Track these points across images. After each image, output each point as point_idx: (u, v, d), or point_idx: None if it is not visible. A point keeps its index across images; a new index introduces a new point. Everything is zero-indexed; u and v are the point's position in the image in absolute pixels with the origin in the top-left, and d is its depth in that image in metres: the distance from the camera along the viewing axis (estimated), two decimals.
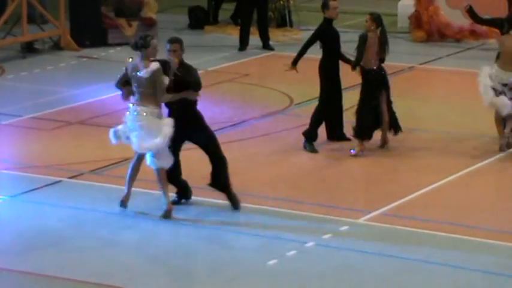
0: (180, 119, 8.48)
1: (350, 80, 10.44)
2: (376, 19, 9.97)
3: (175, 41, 8.65)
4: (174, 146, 8.52)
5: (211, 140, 8.56)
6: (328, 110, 10.23)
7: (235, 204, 8.57)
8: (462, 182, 9.46)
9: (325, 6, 10.22)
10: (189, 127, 8.54)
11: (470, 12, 10.69)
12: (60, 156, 10.05)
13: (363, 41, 9.95)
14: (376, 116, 10.03)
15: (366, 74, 10.00)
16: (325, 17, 10.22)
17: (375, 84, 10.02)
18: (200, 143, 8.59)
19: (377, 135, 10.22)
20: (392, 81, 11.04)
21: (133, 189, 9.06)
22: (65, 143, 10.56)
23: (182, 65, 8.62)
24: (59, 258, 7.82)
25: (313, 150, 10.10)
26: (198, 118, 8.59)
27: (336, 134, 10.34)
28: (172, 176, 8.59)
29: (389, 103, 10.20)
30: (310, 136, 10.16)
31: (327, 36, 10.16)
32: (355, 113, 10.08)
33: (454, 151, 10.28)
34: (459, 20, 15.06)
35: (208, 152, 8.58)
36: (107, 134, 10.78)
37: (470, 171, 9.69)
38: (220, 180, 8.54)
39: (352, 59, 10.17)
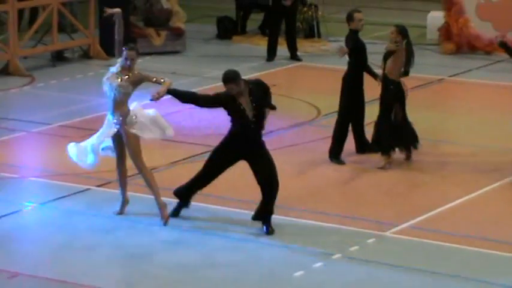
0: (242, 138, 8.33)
1: (374, 92, 10.38)
2: (402, 31, 9.93)
3: None
4: (224, 160, 8.43)
5: (266, 168, 8.25)
6: (351, 123, 10.17)
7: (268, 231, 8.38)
8: (491, 196, 9.38)
9: (350, 18, 10.18)
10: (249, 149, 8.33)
11: (504, 48, 9.94)
12: None
13: (389, 53, 9.92)
14: (395, 129, 9.95)
15: (387, 84, 9.95)
16: (350, 29, 10.19)
17: (394, 95, 9.97)
18: (255, 168, 8.36)
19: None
20: (421, 94, 11.02)
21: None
22: None
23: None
24: (87, 265, 7.85)
25: (340, 162, 10.07)
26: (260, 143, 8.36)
27: (363, 146, 10.28)
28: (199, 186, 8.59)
29: (405, 118, 10.10)
30: (334, 152, 10.12)
31: (353, 47, 10.11)
32: (375, 126, 10.02)
33: (483, 165, 10.20)
34: (489, 32, 14.96)
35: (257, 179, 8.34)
36: None
37: (499, 186, 9.60)
38: (261, 212, 8.35)
39: (378, 71, 10.14)
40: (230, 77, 8.41)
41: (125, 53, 8.65)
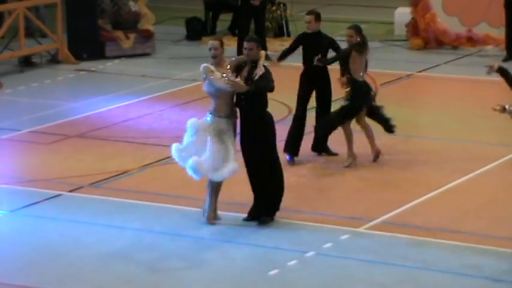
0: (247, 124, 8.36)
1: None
2: (359, 30, 9.84)
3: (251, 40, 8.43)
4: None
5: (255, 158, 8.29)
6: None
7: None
8: (462, 189, 9.46)
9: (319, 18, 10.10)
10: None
11: (503, 73, 8.14)
12: (60, 170, 10.05)
13: (345, 55, 9.75)
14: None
15: (355, 85, 9.89)
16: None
17: (363, 96, 9.93)
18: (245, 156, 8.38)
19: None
20: (390, 89, 11.05)
21: (129, 201, 9.07)
22: (64, 156, 10.56)
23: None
24: (59, 272, 7.81)
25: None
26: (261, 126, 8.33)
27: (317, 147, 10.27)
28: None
29: (374, 111, 10.01)
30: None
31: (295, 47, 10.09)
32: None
33: (453, 158, 10.28)
34: (456, 27, 15.09)
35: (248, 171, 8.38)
36: (106, 147, 10.84)
37: (469, 178, 9.69)
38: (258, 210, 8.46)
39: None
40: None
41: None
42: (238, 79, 8.28)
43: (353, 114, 9.95)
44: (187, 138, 8.42)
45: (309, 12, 10.20)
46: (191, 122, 8.43)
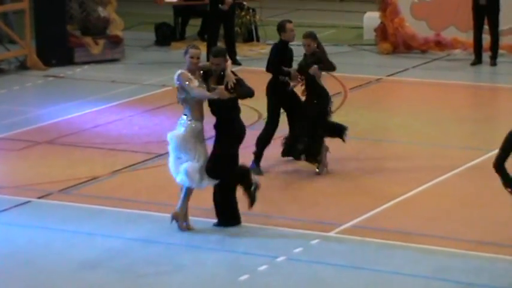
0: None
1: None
2: (315, 37, 9.76)
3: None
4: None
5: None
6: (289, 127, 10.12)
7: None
8: (431, 193, 9.52)
9: (281, 28, 10.00)
10: None
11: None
12: (29, 177, 9.98)
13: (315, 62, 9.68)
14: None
15: (322, 92, 9.87)
16: (281, 39, 10.12)
17: (328, 102, 9.93)
18: None
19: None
20: (360, 94, 11.03)
21: (99, 207, 9.02)
22: (33, 163, 10.49)
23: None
24: (28, 279, 7.75)
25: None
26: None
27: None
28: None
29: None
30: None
31: (282, 57, 9.98)
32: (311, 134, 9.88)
33: (422, 162, 10.34)
34: (424, 31, 15.21)
35: None
36: (75, 153, 10.77)
37: (438, 182, 9.75)
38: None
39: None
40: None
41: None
42: (222, 87, 8.29)
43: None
44: (172, 153, 8.36)
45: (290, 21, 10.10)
46: (170, 136, 8.39)
